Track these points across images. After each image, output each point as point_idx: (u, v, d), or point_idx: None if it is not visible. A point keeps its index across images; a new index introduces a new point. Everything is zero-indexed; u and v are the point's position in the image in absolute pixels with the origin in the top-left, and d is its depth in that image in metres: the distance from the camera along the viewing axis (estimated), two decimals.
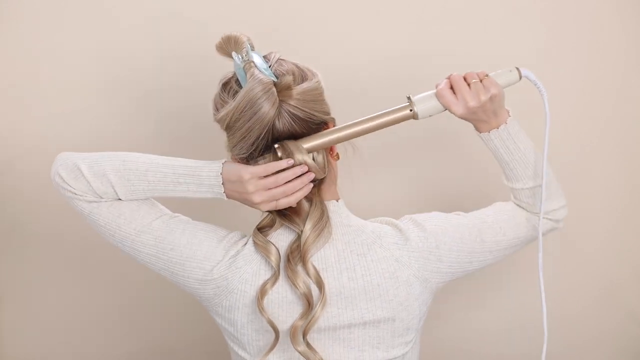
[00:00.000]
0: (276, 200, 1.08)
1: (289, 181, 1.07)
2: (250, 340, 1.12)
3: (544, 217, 1.23)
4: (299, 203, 1.10)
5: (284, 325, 1.10)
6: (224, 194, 1.10)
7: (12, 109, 1.59)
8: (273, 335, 1.10)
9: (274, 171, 1.07)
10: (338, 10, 1.60)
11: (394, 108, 1.15)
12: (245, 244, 1.13)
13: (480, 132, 1.19)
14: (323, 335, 1.11)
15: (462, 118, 1.16)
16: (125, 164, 1.11)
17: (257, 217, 1.18)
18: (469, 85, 1.13)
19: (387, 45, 1.62)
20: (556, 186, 1.26)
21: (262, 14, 1.58)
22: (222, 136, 1.14)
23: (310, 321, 1.08)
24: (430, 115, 1.15)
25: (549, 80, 1.65)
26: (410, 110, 1.14)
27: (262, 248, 1.10)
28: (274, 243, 1.11)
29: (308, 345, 1.09)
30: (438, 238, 1.14)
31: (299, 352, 1.09)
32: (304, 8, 1.59)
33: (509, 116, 1.18)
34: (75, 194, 1.12)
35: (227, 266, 1.11)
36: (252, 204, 1.09)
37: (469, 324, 1.77)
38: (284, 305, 1.10)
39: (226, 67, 1.15)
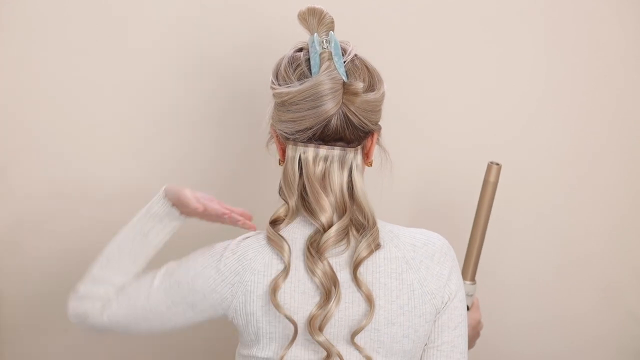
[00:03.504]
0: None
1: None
2: (265, 333, 1.12)
3: None
4: (328, 201, 1.09)
5: (295, 315, 1.09)
6: (174, 208, 1.19)
7: (21, 109, 1.59)
8: (285, 326, 1.10)
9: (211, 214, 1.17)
10: (339, 11, 1.60)
11: None
12: (247, 237, 1.14)
13: None
14: (327, 331, 1.10)
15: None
16: (106, 256, 1.19)
17: (265, 212, 1.18)
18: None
19: (386, 45, 1.62)
20: None
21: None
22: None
23: (326, 315, 1.08)
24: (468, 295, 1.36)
25: (549, 80, 1.67)
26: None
27: (275, 243, 1.10)
28: (292, 234, 1.11)
29: (326, 338, 1.09)
30: (451, 288, 1.14)
31: (319, 343, 1.08)
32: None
33: None
34: (92, 315, 1.16)
35: (234, 261, 1.11)
36: (185, 199, 1.17)
37: None
38: (295, 295, 1.09)
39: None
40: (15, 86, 1.57)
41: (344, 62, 1.08)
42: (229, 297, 1.12)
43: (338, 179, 1.08)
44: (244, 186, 1.64)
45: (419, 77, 1.65)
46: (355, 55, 1.11)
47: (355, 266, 1.08)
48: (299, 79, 1.08)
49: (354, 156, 1.09)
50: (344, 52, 1.10)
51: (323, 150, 1.08)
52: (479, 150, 1.63)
